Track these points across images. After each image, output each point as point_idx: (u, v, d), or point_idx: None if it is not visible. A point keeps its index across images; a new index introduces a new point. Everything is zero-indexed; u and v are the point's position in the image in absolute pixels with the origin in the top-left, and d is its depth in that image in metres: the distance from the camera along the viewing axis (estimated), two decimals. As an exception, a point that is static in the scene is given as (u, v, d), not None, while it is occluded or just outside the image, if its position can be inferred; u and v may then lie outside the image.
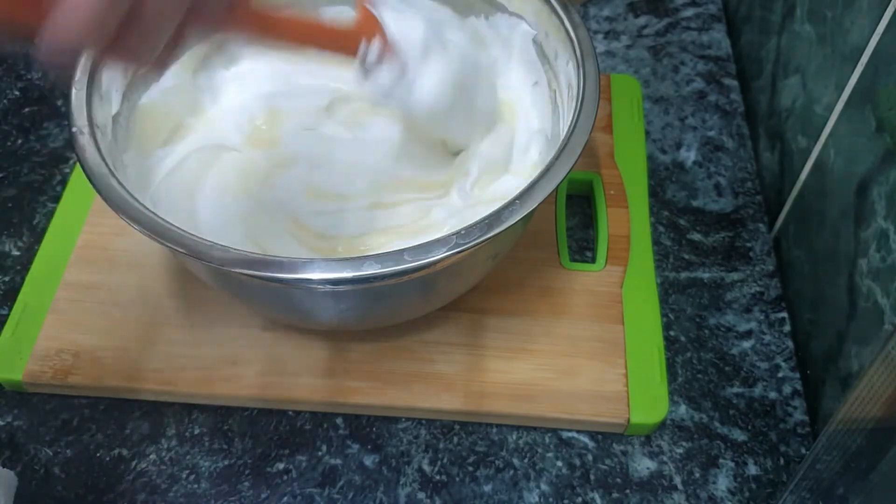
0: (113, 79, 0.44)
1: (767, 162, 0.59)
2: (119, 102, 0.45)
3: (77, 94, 0.42)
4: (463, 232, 0.37)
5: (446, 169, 0.49)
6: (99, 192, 0.39)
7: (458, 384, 0.47)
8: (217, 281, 0.43)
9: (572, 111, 0.42)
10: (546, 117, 0.49)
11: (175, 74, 0.50)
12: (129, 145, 0.46)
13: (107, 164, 0.40)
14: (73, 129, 0.41)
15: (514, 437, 0.47)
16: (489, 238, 0.37)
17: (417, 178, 0.49)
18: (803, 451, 0.47)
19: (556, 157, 0.40)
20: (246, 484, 0.46)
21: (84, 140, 0.41)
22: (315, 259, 0.37)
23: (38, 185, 0.58)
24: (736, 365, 0.50)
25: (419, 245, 0.37)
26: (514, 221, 0.38)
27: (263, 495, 0.45)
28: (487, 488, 0.46)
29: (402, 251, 0.37)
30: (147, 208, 0.39)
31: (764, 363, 0.50)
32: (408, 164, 0.49)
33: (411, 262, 0.36)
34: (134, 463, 0.46)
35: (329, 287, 0.38)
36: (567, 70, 0.45)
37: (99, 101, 0.43)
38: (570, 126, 0.41)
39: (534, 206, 0.38)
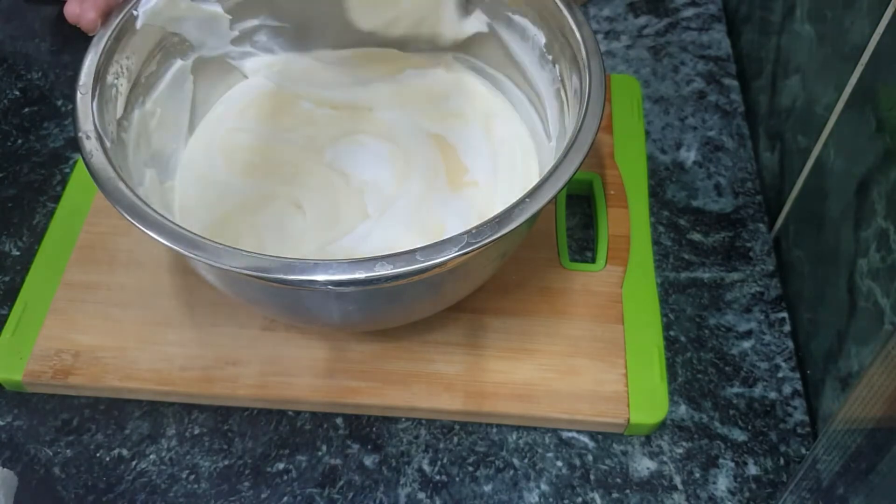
0: (117, 82, 0.45)
1: (767, 162, 0.59)
2: (123, 106, 0.45)
3: (82, 99, 0.42)
4: (474, 231, 0.37)
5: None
6: (107, 195, 0.39)
7: (459, 384, 0.47)
8: (225, 283, 0.43)
9: (578, 110, 0.42)
10: (553, 116, 0.49)
11: (177, 76, 0.50)
12: (136, 149, 0.46)
13: (114, 168, 0.40)
14: (80, 134, 0.41)
15: (514, 437, 0.47)
16: (500, 237, 0.37)
17: None
18: (803, 451, 0.47)
19: (564, 156, 0.40)
20: (246, 484, 0.46)
21: (90, 144, 0.41)
22: (323, 262, 0.37)
23: (38, 185, 0.58)
24: (736, 365, 0.50)
25: (430, 245, 0.37)
26: (524, 219, 0.38)
27: (263, 495, 0.45)
28: (487, 488, 0.46)
29: (413, 251, 0.36)
30: (156, 211, 0.38)
31: (764, 363, 0.50)
32: None
33: (423, 261, 0.36)
34: (134, 463, 0.46)
35: (337, 288, 0.38)
36: (571, 69, 0.45)
37: (104, 105, 0.43)
38: (576, 125, 0.41)
39: (543, 204, 0.38)
